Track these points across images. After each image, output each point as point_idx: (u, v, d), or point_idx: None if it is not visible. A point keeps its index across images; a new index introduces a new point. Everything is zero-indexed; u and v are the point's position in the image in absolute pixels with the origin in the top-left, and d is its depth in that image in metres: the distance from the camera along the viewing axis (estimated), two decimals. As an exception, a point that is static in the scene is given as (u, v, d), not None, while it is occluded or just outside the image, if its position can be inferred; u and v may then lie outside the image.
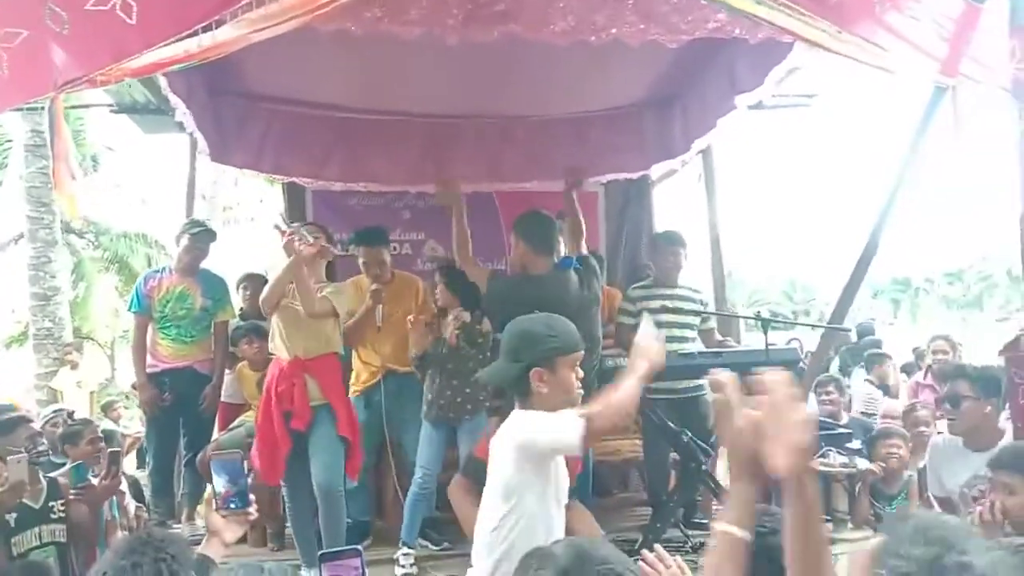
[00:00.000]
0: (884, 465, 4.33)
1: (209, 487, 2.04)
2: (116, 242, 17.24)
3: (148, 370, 4.86)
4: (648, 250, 4.81)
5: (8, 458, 3.51)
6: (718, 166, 5.97)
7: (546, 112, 5.66)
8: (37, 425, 4.46)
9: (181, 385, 4.87)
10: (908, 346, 10.24)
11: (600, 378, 4.19)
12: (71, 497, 3.87)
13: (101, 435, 4.48)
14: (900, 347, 10.24)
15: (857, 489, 4.40)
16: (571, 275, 3.80)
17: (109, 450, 4.08)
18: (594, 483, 4.67)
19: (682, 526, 4.40)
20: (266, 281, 4.62)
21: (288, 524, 4.26)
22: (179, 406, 4.89)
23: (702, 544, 3.92)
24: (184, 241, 4.95)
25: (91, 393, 10.43)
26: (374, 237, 4.55)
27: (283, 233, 3.73)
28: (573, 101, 5.51)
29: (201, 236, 5.01)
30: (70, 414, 5.70)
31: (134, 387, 5.14)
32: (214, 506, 1.99)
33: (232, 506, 1.99)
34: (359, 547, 2.29)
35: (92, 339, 17.11)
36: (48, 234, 11.77)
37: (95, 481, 4.02)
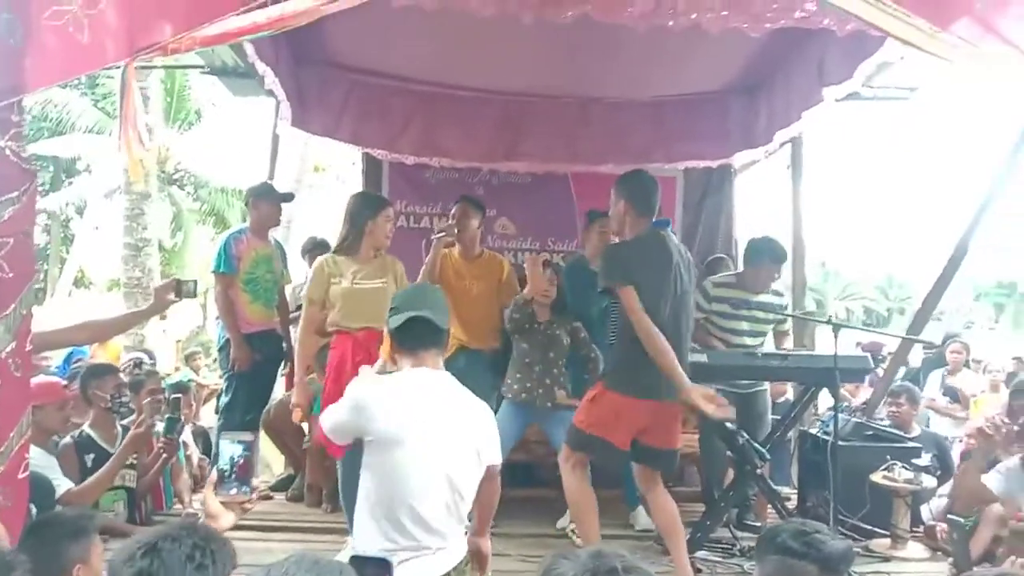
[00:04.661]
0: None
1: (214, 469, 1.98)
2: (214, 196, 17.86)
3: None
4: (747, 254, 4.58)
5: None
6: (814, 155, 5.75)
7: (625, 94, 5.52)
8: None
9: (268, 348, 4.91)
10: (1008, 352, 9.81)
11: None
12: (160, 447, 4.11)
13: (163, 387, 4.68)
14: (1000, 353, 9.83)
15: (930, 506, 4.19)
16: (670, 235, 3.64)
17: (172, 396, 4.27)
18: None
19: (732, 527, 4.31)
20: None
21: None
22: (263, 368, 4.92)
23: (750, 548, 3.82)
24: (265, 206, 4.91)
25: (177, 342, 10.90)
26: (477, 204, 4.80)
27: None
28: (653, 84, 5.35)
29: (285, 199, 5.05)
30: (138, 363, 5.96)
31: (220, 350, 5.11)
32: (215, 489, 1.93)
33: (234, 491, 1.95)
34: (390, 560, 2.22)
35: (186, 287, 17.79)
36: (142, 187, 12.13)
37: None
